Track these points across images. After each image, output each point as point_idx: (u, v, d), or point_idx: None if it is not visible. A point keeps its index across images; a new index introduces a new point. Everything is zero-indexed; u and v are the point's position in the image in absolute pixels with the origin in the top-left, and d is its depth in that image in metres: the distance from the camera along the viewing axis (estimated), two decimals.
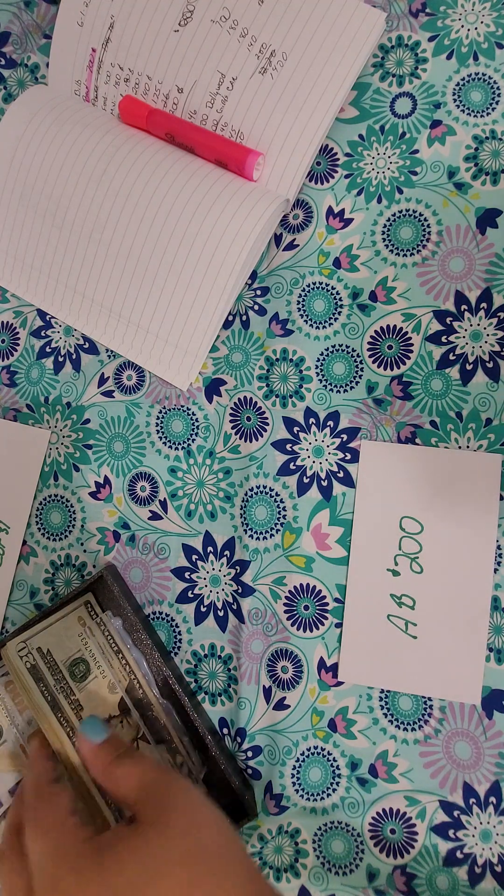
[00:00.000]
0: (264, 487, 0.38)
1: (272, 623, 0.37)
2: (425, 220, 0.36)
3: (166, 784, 0.28)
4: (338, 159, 0.38)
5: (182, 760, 0.35)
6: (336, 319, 0.37)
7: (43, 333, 0.42)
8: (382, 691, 0.36)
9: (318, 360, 0.38)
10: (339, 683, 0.36)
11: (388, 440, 0.37)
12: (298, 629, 0.37)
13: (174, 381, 0.39)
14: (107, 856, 0.25)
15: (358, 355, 0.37)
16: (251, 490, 0.38)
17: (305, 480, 0.37)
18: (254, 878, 0.26)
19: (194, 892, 0.24)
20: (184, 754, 0.35)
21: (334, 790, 0.36)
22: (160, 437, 0.40)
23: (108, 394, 0.40)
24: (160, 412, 0.40)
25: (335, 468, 0.37)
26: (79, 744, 0.31)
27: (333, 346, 0.37)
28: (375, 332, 0.37)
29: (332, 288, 0.38)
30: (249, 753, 0.37)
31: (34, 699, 0.33)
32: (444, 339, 0.36)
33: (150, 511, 0.40)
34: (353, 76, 0.36)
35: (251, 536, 0.38)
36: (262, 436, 0.38)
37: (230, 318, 0.39)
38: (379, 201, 0.37)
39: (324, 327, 0.38)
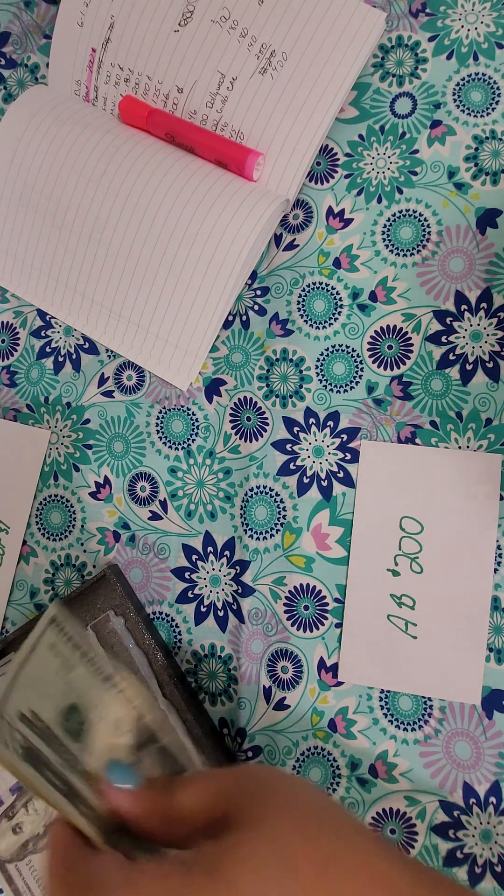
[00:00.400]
0: (264, 487, 0.38)
1: (272, 623, 0.37)
2: (425, 220, 0.36)
3: (243, 775, 0.24)
4: (338, 159, 0.38)
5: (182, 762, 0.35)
6: (336, 319, 0.37)
7: (43, 333, 0.42)
8: (382, 691, 0.36)
9: (318, 360, 0.38)
10: (339, 683, 0.36)
11: (388, 440, 0.37)
12: (298, 629, 0.37)
13: (174, 381, 0.39)
14: (217, 874, 0.20)
15: (358, 355, 0.37)
16: (251, 490, 0.38)
17: (305, 480, 0.37)
18: (377, 838, 0.23)
19: (331, 867, 0.21)
20: (183, 756, 0.35)
21: (334, 790, 0.36)
22: (160, 437, 0.40)
23: (108, 394, 0.40)
24: (160, 412, 0.40)
25: (335, 468, 0.37)
26: (113, 796, 0.23)
27: (333, 346, 0.37)
28: (375, 332, 0.37)
29: (332, 288, 0.38)
30: (249, 753, 0.37)
31: (44, 792, 0.23)
32: (444, 339, 0.36)
33: (150, 511, 0.40)
34: (353, 76, 0.36)
35: (251, 536, 0.38)
36: (262, 436, 0.38)
37: (230, 318, 0.39)
38: (379, 201, 0.37)
39: (324, 327, 0.38)
